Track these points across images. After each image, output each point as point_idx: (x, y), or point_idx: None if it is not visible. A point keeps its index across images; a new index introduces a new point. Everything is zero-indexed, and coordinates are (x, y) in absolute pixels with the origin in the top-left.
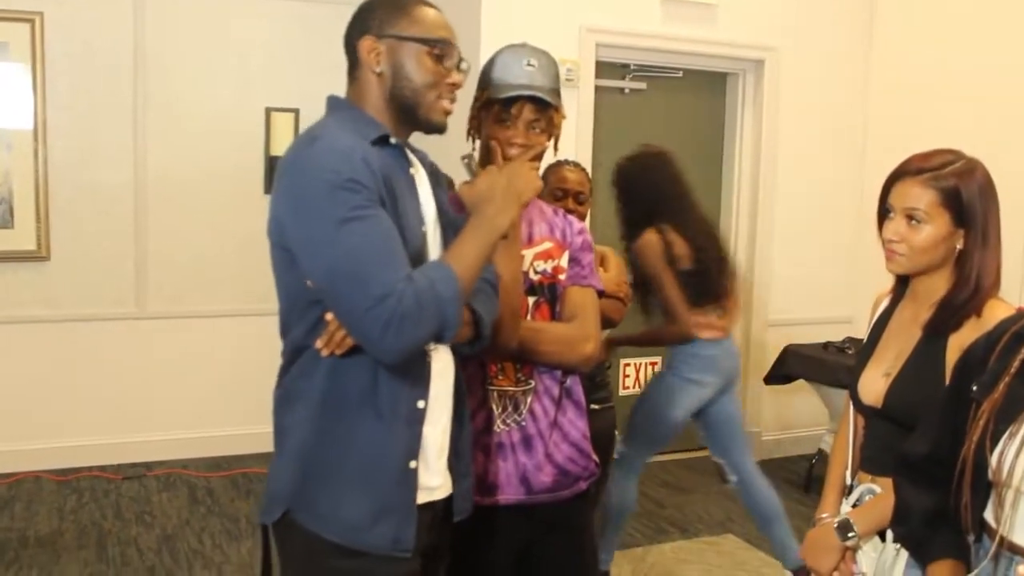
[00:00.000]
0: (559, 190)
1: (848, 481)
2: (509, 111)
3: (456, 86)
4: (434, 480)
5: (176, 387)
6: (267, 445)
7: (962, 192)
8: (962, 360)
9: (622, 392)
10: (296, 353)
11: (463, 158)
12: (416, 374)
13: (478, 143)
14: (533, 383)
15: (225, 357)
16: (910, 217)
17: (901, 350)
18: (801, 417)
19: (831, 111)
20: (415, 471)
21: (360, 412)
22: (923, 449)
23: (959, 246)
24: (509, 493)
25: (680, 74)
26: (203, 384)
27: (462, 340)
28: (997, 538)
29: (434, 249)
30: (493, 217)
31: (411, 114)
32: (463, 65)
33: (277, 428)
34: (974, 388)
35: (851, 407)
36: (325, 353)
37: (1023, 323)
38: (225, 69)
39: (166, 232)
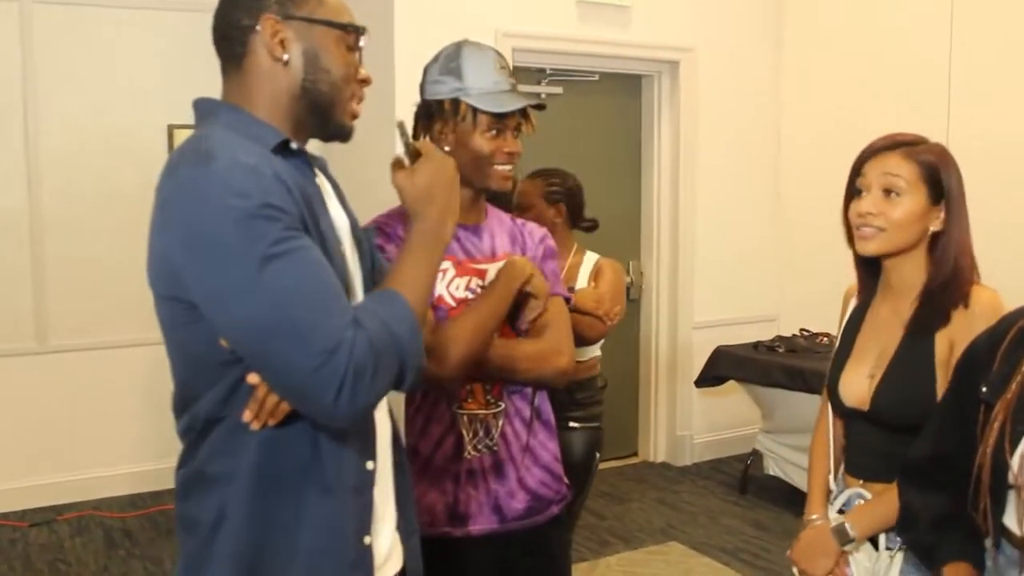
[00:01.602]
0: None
1: (832, 484)
2: (503, 121)
3: (366, 83)
4: (388, 555)
5: (84, 424)
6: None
7: (940, 169)
8: (965, 359)
9: None
10: (206, 428)
11: (400, 124)
12: (362, 432)
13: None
14: (503, 405)
15: (136, 389)
16: (888, 190)
17: (884, 349)
18: (733, 418)
19: (746, 110)
20: (370, 548)
21: (303, 489)
22: (925, 450)
23: (933, 228)
24: (481, 523)
25: (596, 77)
26: (113, 419)
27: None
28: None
29: (355, 274)
30: (439, 222)
31: (323, 115)
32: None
33: (185, 521)
34: (983, 389)
35: (828, 408)
36: (256, 426)
37: None
38: (122, 85)
39: (65, 259)
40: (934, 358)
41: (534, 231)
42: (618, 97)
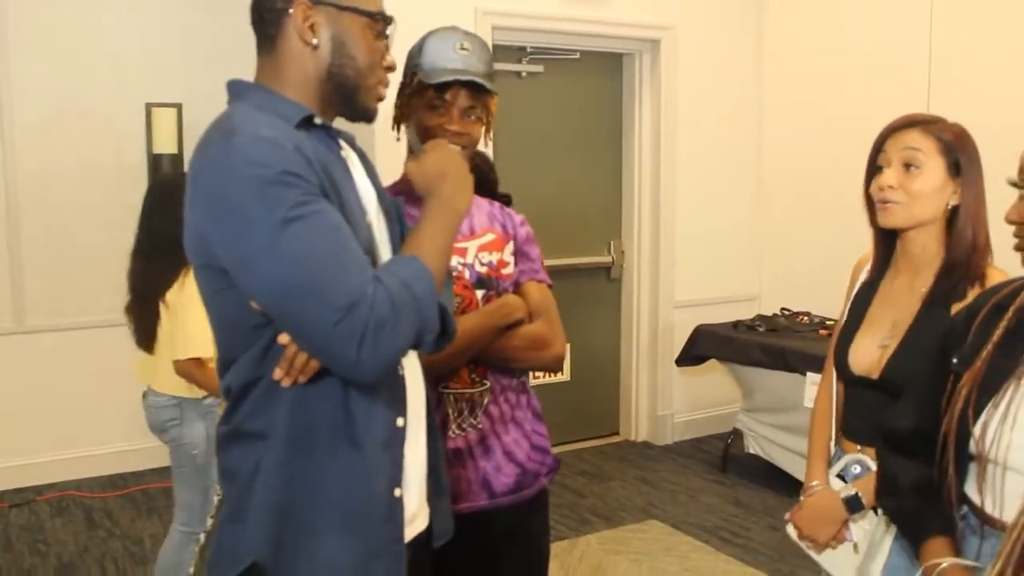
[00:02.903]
0: None
1: (832, 449)
2: (443, 97)
3: (391, 69)
4: (417, 510)
5: (63, 404)
6: (165, 459)
7: (957, 144)
8: (946, 333)
9: (532, 381)
10: (245, 389)
11: (409, 128)
12: (391, 389)
13: (403, 132)
14: (488, 383)
15: (115, 369)
16: (907, 164)
17: (898, 320)
18: (714, 397)
19: (727, 89)
20: (400, 500)
21: (333, 445)
22: (909, 423)
23: (952, 202)
24: (471, 500)
25: (577, 56)
26: (92, 399)
27: None
28: (982, 515)
29: (381, 242)
30: (451, 197)
31: (348, 97)
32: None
33: (226, 472)
34: (954, 361)
35: (832, 376)
36: (287, 383)
37: (1004, 293)
38: (100, 60)
39: (42, 239)
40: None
41: (514, 215)
42: (599, 76)
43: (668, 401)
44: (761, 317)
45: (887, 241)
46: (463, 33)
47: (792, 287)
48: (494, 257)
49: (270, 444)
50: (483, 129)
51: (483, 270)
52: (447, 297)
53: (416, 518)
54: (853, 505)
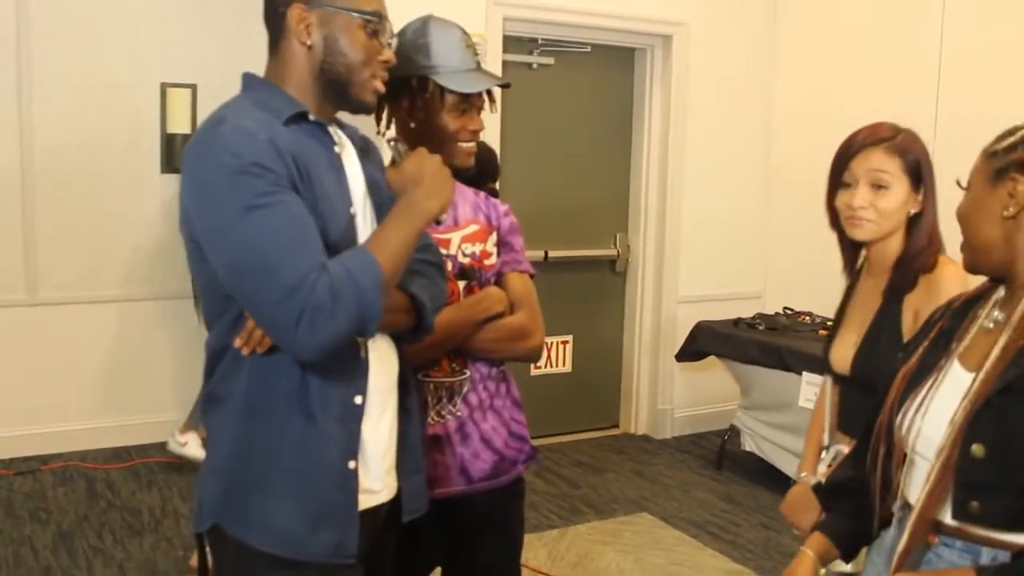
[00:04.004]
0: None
1: (825, 442)
2: (469, 100)
3: (388, 63)
4: (376, 483)
5: (71, 376)
6: (168, 433)
7: (919, 158)
8: (909, 341)
9: (533, 372)
10: (219, 354)
11: (389, 141)
12: (350, 368)
13: (390, 128)
14: (468, 372)
15: (122, 344)
16: (876, 184)
17: (865, 318)
18: (712, 394)
19: (739, 86)
20: (355, 472)
21: (287, 414)
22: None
23: (912, 210)
24: (448, 485)
25: (588, 49)
26: (99, 372)
27: (401, 329)
28: (900, 499)
29: (365, 232)
30: (421, 200)
31: (341, 92)
32: (393, 42)
33: (207, 432)
34: (899, 357)
35: (828, 375)
36: (245, 352)
37: (954, 298)
38: (117, 40)
39: (56, 214)
40: (901, 324)
41: (498, 205)
42: (610, 70)
43: (669, 396)
44: (762, 315)
45: (853, 248)
46: (454, 24)
47: (796, 286)
48: (477, 248)
49: (230, 407)
50: None
51: (466, 261)
52: (427, 289)
53: (376, 490)
54: (819, 493)
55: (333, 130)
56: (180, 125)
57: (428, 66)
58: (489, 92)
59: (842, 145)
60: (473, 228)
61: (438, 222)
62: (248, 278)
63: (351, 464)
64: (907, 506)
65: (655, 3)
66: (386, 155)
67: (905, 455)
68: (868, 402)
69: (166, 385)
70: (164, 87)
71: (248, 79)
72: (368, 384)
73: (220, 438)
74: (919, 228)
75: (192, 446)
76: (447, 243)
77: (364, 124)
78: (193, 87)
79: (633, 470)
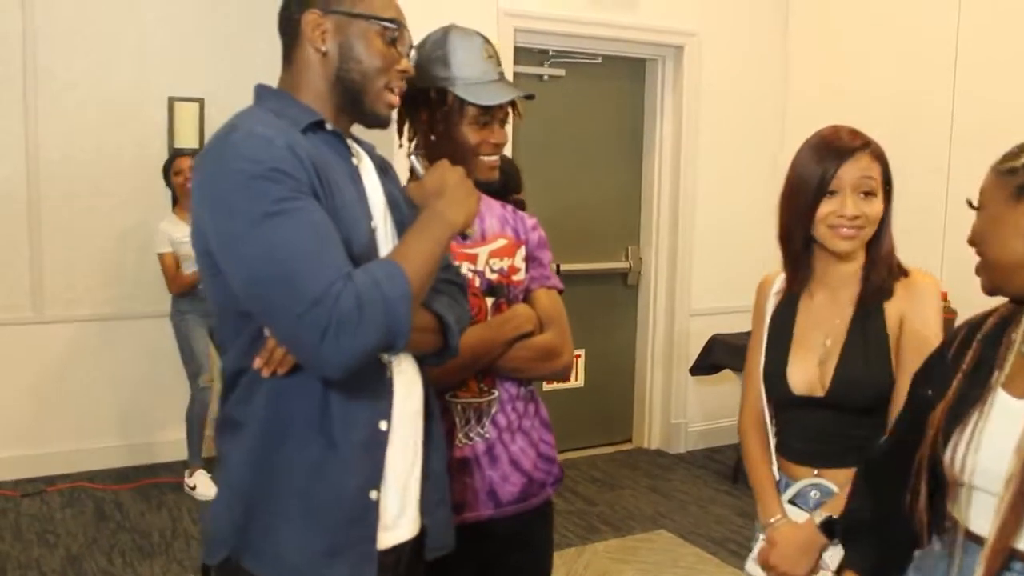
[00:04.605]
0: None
1: (776, 476)
2: (491, 112)
3: (406, 73)
4: (399, 515)
5: (78, 395)
6: (177, 453)
7: (887, 164)
8: (923, 367)
9: (546, 387)
10: (236, 376)
11: (410, 155)
12: (375, 390)
13: (408, 142)
14: (496, 392)
15: (130, 362)
16: (865, 191)
17: (830, 335)
18: (727, 407)
19: (750, 97)
20: (376, 503)
21: (307, 439)
22: (884, 454)
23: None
24: (477, 510)
25: (599, 60)
26: (107, 391)
27: (426, 350)
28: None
29: (386, 248)
30: (443, 211)
31: (356, 102)
32: (412, 52)
33: (219, 457)
34: (929, 392)
35: (759, 401)
36: (266, 373)
37: (973, 322)
38: (125, 54)
39: (63, 229)
40: (887, 332)
41: (526, 218)
42: (621, 81)
43: (682, 410)
44: None
45: (806, 260)
46: (475, 32)
47: None
48: (505, 263)
49: (247, 432)
50: None
51: (494, 277)
52: (452, 308)
53: (399, 524)
54: (832, 530)
55: (350, 142)
56: (188, 139)
57: (447, 77)
58: (513, 103)
59: (820, 150)
60: (501, 242)
61: (464, 236)
62: (268, 290)
63: (373, 494)
64: (972, 537)
65: (666, 14)
66: (403, 173)
67: (957, 487)
68: (842, 423)
69: (175, 404)
70: (171, 101)
71: (261, 90)
72: (394, 409)
73: (236, 465)
74: (884, 234)
75: (202, 487)
76: (474, 258)
77: (380, 139)
78: (201, 101)
79: (648, 486)
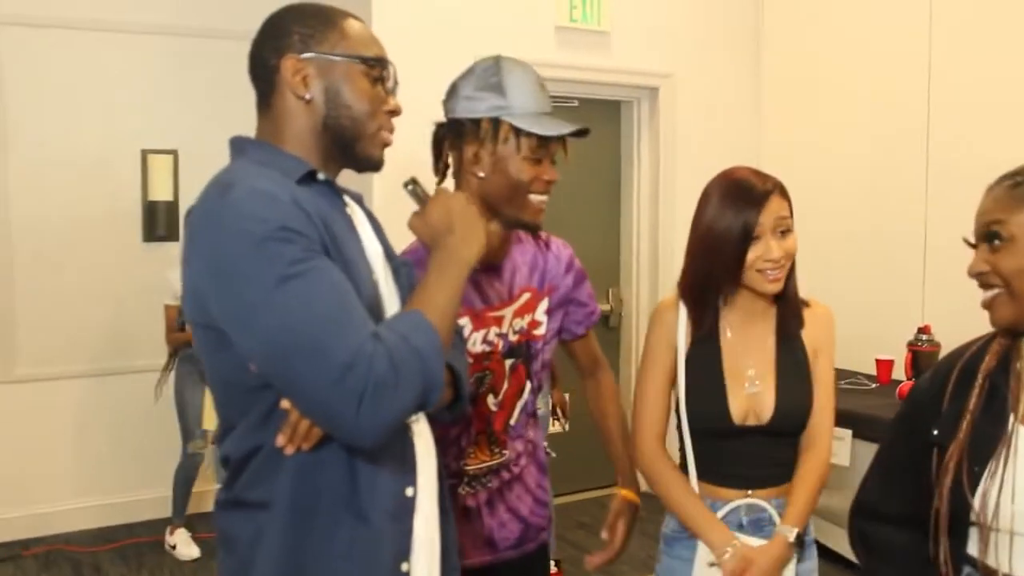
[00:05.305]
0: None
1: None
2: (547, 147)
3: (395, 113)
4: None
5: (52, 454)
6: (157, 511)
7: (790, 197)
8: (909, 404)
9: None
10: (246, 458)
11: (406, 184)
12: (400, 455)
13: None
14: (508, 453)
15: (105, 420)
16: (783, 231)
17: (755, 366)
18: None
19: (726, 137)
20: None
21: (337, 516)
22: (896, 506)
23: None
24: (475, 557)
25: (575, 103)
26: (82, 449)
27: (442, 405)
28: None
29: (389, 300)
30: (457, 248)
31: (348, 149)
32: (396, 89)
33: (224, 540)
34: (935, 432)
35: (684, 432)
36: (290, 451)
37: (968, 357)
38: (96, 108)
39: (34, 286)
40: (807, 359)
41: (560, 252)
42: (597, 123)
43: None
44: None
45: (707, 300)
46: (529, 65)
47: None
48: (526, 321)
49: (272, 514)
50: None
51: (515, 339)
52: (463, 359)
53: None
54: (799, 545)
55: (340, 191)
56: (162, 192)
57: (502, 106)
58: (563, 140)
59: (735, 198)
60: (525, 298)
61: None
62: (292, 362)
63: (404, 567)
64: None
65: (641, 56)
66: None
67: (989, 533)
68: (779, 448)
69: (151, 460)
70: (145, 153)
71: (239, 143)
72: (418, 473)
73: (260, 551)
74: (793, 266)
75: (183, 546)
76: (500, 321)
77: (388, 177)
78: (174, 152)
79: (638, 529)
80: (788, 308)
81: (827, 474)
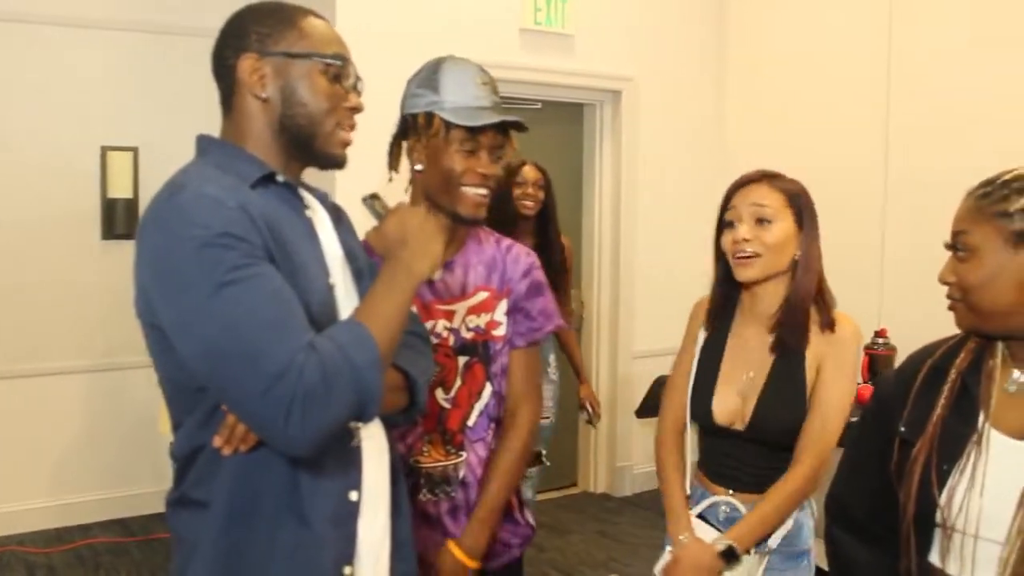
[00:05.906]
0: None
1: (688, 491)
2: (476, 139)
3: (356, 110)
4: None
5: (6, 454)
6: (114, 511)
7: (801, 195)
8: (874, 401)
9: None
10: (191, 456)
11: (365, 200)
12: (343, 459)
13: (396, 173)
14: (464, 454)
15: (62, 418)
16: (759, 219)
17: (753, 371)
18: None
19: (689, 140)
20: None
21: (278, 519)
22: (863, 503)
23: (797, 254)
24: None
25: (539, 106)
26: (37, 449)
27: (394, 410)
28: None
29: (346, 304)
30: (409, 261)
31: (306, 147)
32: (360, 85)
33: (175, 537)
34: (902, 428)
35: (677, 424)
36: (227, 452)
37: (938, 355)
38: (55, 104)
39: None
40: (805, 375)
41: (519, 259)
42: (560, 125)
43: (627, 452)
44: None
45: (730, 293)
46: (473, 63)
47: None
48: (483, 320)
49: (211, 514)
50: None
51: (469, 336)
52: (416, 363)
53: None
54: (729, 557)
55: (303, 192)
56: (121, 189)
57: (435, 101)
58: (507, 133)
59: (730, 185)
60: (482, 296)
61: (430, 281)
62: (226, 367)
63: (347, 570)
64: None
65: (604, 59)
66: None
67: (951, 537)
68: (761, 455)
69: (110, 459)
70: (105, 150)
71: (204, 141)
72: (363, 477)
73: (200, 549)
74: (800, 275)
75: None
76: (451, 315)
77: (369, 173)
78: (135, 150)
79: (597, 530)
80: (790, 319)
81: (806, 493)
